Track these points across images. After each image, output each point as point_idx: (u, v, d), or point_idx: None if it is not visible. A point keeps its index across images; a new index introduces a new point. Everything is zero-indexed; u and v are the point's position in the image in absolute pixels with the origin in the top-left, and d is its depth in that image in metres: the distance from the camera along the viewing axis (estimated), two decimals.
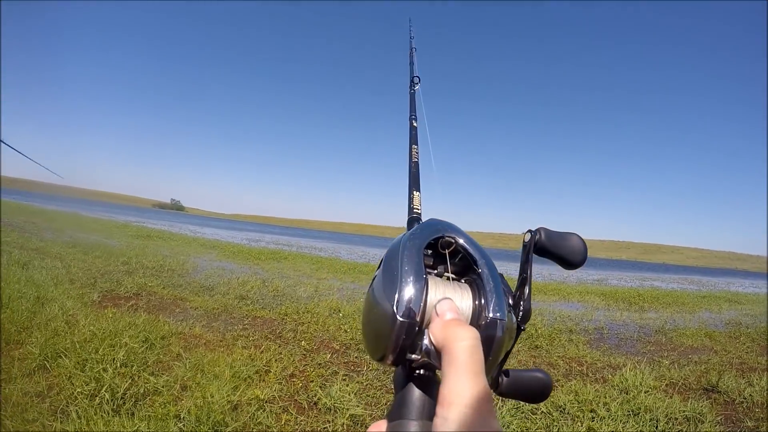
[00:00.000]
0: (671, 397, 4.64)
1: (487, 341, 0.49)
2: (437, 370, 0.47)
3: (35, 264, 8.77)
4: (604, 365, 5.72)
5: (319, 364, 4.85)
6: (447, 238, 0.55)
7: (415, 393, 0.50)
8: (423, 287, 0.49)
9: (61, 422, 3.20)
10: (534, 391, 0.60)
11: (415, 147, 0.98)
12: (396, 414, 0.50)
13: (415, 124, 1.09)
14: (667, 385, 5.15)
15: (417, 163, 0.93)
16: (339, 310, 7.45)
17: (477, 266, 0.54)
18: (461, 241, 0.55)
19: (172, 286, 8.59)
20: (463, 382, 0.42)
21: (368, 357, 5.05)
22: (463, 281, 0.55)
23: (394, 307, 0.48)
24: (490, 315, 0.50)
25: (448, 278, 0.55)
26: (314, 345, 5.49)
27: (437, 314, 0.47)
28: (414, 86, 1.28)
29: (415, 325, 0.48)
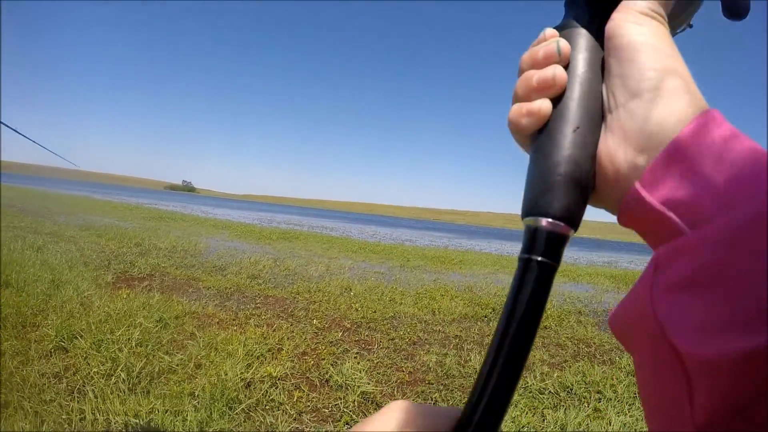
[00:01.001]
0: None
1: None
2: None
3: (49, 248, 8.84)
4: (612, 347, 5.74)
5: (331, 342, 4.91)
6: None
7: None
8: None
9: (78, 401, 3.25)
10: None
11: None
12: None
13: None
14: None
15: None
16: (350, 289, 7.51)
17: None
18: None
19: (184, 266, 8.65)
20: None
21: (379, 336, 5.13)
22: None
23: None
24: None
25: None
26: (326, 323, 5.55)
27: None
28: None
29: None
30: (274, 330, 5.02)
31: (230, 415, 3.27)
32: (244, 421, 3.23)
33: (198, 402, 3.34)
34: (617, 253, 34.86)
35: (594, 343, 5.83)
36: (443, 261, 13.52)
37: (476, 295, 7.89)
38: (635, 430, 3.54)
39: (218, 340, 4.48)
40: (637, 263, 23.74)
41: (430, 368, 4.43)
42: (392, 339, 5.16)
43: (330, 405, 3.58)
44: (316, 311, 6.05)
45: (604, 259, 23.93)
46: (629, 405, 4.01)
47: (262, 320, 5.48)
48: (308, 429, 3.21)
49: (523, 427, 3.36)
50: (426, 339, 5.27)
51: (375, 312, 6.17)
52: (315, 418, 3.38)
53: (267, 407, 3.44)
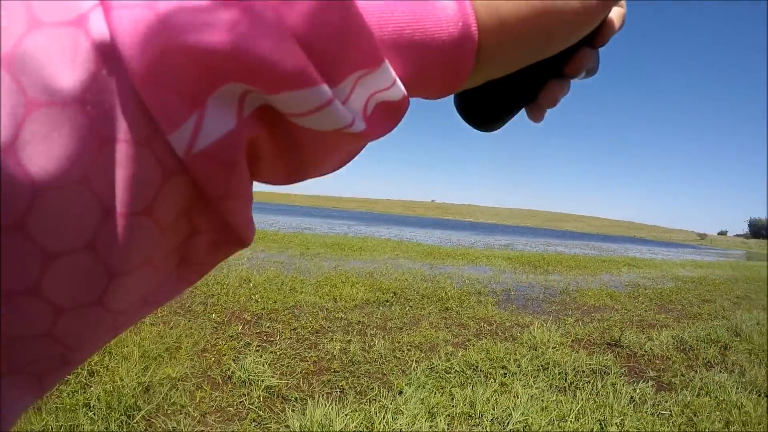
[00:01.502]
0: (578, 352, 4.82)
1: None
2: None
3: None
4: (513, 324, 5.87)
5: (231, 336, 4.74)
6: None
7: None
8: None
9: None
10: None
11: None
12: None
13: None
14: (573, 341, 5.34)
15: None
16: (249, 280, 7.28)
17: None
18: None
19: None
20: None
21: (281, 326, 5.01)
22: None
23: None
24: None
25: None
26: (225, 317, 5.36)
27: None
28: None
29: None
30: (171, 327, 4.80)
31: (129, 423, 3.07)
32: (145, 430, 3.05)
33: (94, 413, 3.11)
34: (513, 237, 36.07)
35: (495, 321, 5.94)
36: (343, 248, 13.44)
37: (377, 281, 7.86)
38: (542, 400, 3.60)
39: (111, 344, 4.23)
40: (532, 245, 24.60)
41: (334, 356, 4.35)
42: (294, 329, 5.05)
43: (235, 403, 3.44)
44: (214, 305, 5.84)
45: (501, 242, 24.61)
46: (534, 378, 4.09)
47: (157, 318, 5.23)
48: (214, 431, 3.07)
49: (432, 407, 3.35)
50: (329, 327, 5.18)
51: (275, 302, 6.02)
52: (220, 419, 3.23)
53: (168, 411, 3.26)
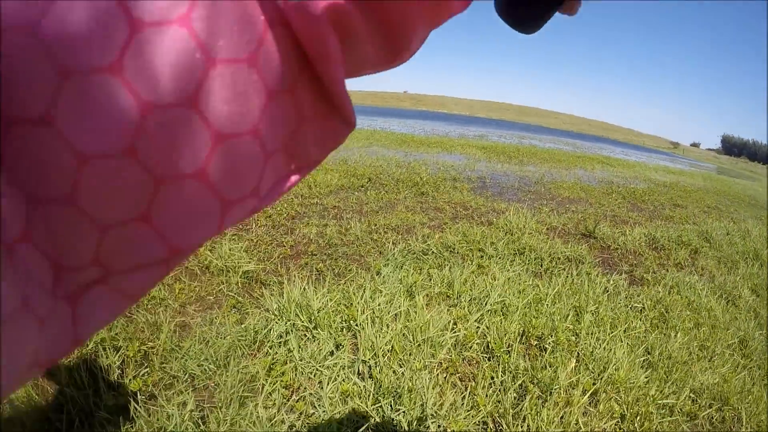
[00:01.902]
0: (553, 240, 4.89)
1: None
2: None
3: None
4: (489, 210, 5.91)
5: None
6: None
7: None
8: None
9: None
10: None
11: None
12: None
13: None
14: (548, 228, 5.41)
15: None
16: None
17: None
18: None
19: None
20: None
21: (256, 215, 4.95)
22: None
23: None
24: None
25: None
26: None
27: None
28: None
29: None
30: None
31: (109, 326, 3.05)
32: (126, 326, 3.01)
33: None
34: (487, 128, 35.97)
35: (471, 206, 5.98)
36: None
37: (351, 167, 7.80)
38: (519, 283, 3.63)
39: None
40: (507, 137, 24.63)
41: (311, 240, 4.34)
42: (269, 216, 5.01)
43: (214, 291, 3.41)
44: None
45: (475, 133, 24.60)
46: (510, 261, 4.13)
47: None
48: (194, 320, 3.04)
49: (411, 286, 3.36)
50: (304, 212, 5.15)
51: None
52: (200, 308, 3.21)
53: (148, 306, 3.21)
